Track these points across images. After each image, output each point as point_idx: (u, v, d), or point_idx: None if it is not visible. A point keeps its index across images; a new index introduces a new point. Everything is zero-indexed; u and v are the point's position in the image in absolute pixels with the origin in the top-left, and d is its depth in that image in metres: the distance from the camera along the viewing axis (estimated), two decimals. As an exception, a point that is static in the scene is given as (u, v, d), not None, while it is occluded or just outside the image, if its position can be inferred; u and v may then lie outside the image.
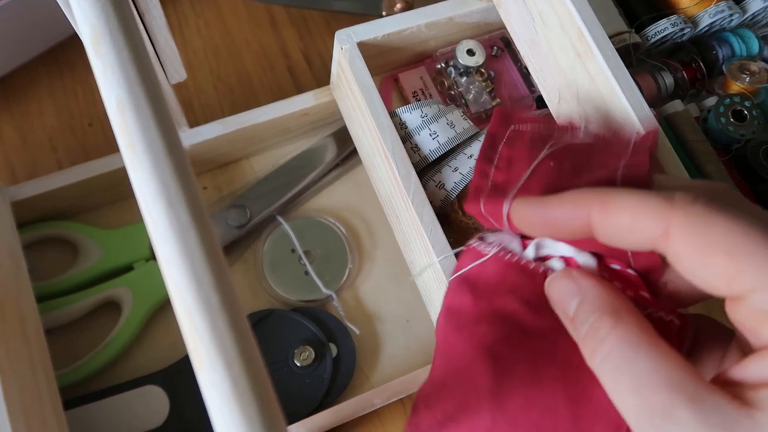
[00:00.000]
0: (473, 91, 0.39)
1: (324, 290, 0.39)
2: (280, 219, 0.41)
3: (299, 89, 0.47)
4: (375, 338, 0.40)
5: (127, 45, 0.19)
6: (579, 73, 0.31)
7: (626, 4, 0.35)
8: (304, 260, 0.40)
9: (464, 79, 0.39)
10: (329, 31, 0.49)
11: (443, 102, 0.39)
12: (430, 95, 0.39)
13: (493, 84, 0.39)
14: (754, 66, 0.33)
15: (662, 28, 0.33)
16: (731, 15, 0.34)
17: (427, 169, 0.36)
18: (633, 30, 0.33)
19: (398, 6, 0.48)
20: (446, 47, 0.40)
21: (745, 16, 0.35)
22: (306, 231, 0.41)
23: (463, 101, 0.39)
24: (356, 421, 0.37)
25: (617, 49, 0.30)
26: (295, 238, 0.40)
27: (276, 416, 0.17)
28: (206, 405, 0.17)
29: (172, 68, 0.33)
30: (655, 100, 0.33)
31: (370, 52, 0.36)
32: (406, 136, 0.35)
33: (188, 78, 0.46)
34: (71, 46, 0.47)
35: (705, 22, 0.34)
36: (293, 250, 0.40)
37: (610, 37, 0.31)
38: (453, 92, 0.39)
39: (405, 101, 0.39)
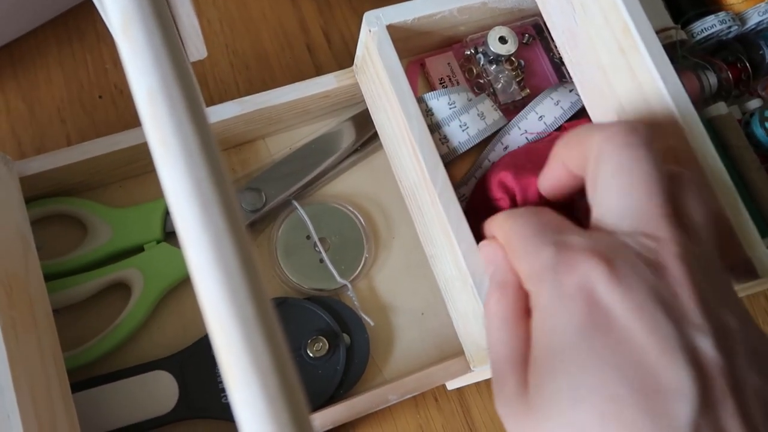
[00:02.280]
0: (502, 80, 0.37)
1: (339, 279, 0.38)
2: (296, 204, 0.39)
3: (318, 68, 0.45)
4: (389, 330, 0.39)
5: (159, 29, 0.18)
6: (621, 69, 0.30)
7: (671, -2, 0.33)
8: (320, 247, 0.39)
9: (493, 67, 0.37)
10: (350, 7, 0.47)
11: (471, 90, 0.38)
12: (457, 82, 0.38)
13: (523, 74, 0.38)
14: (802, 69, 0.31)
15: (709, 24, 0.31)
16: (780, 13, 0.32)
17: (462, 160, 0.35)
18: (680, 26, 0.31)
19: (424, -15, 0.46)
20: (477, 33, 0.38)
21: (794, 15, 0.33)
22: (322, 217, 0.40)
23: (492, 90, 0.37)
24: (368, 416, 0.37)
25: (662, 46, 0.29)
26: (311, 224, 0.39)
27: (302, 401, 0.16)
28: (237, 422, 0.16)
29: (193, 46, 0.31)
30: (698, 101, 0.32)
31: (398, 35, 0.34)
32: (433, 125, 0.34)
33: (204, 52, 0.44)
34: (81, 12, 0.45)
35: (754, 20, 0.32)
36: (308, 237, 0.39)
37: (656, 33, 0.30)
38: (481, 80, 0.38)
39: (431, 88, 0.38)
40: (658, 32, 0.30)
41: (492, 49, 0.36)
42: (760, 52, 0.32)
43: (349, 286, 0.38)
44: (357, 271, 0.39)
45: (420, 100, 0.34)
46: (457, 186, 0.34)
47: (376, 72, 0.34)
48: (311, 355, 0.36)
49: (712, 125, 0.30)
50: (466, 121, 0.33)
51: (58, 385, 0.31)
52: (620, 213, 0.22)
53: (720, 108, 0.30)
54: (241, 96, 0.39)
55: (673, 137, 0.27)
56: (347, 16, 0.47)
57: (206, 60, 0.45)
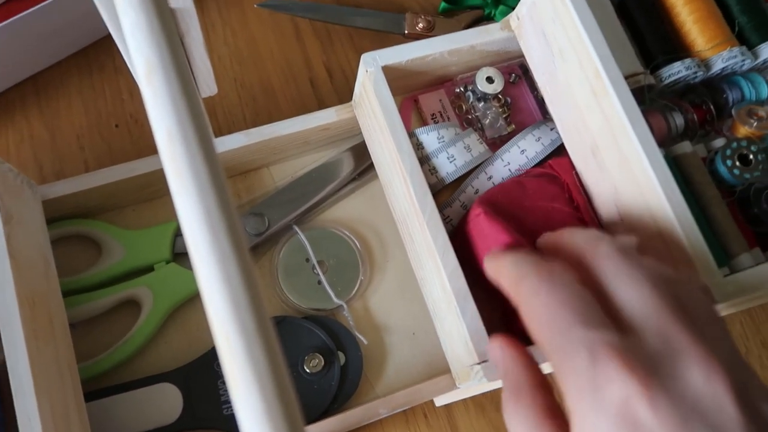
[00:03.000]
0: (490, 117, 0.40)
1: (335, 300, 0.41)
2: (297, 229, 0.42)
3: (320, 101, 0.49)
4: (382, 349, 0.41)
5: (178, 78, 0.21)
6: (594, 110, 0.32)
7: (643, 44, 0.36)
8: (318, 270, 0.42)
9: (482, 104, 0.40)
10: (352, 46, 0.51)
11: (460, 125, 0.40)
12: (448, 118, 0.41)
13: (509, 110, 0.41)
14: (762, 111, 0.34)
15: (676, 70, 0.34)
16: (743, 60, 0.35)
17: (448, 188, 0.38)
18: (648, 72, 0.34)
19: (420, 25, 0.49)
20: (466, 72, 0.41)
21: (757, 62, 0.36)
22: (321, 241, 0.42)
23: (480, 125, 0.40)
24: (360, 429, 0.39)
25: (632, 89, 0.32)
26: (310, 248, 0.42)
27: (294, 407, 0.18)
28: (239, 423, 0.18)
29: (205, 83, 0.34)
30: (665, 140, 0.34)
31: (392, 75, 0.38)
32: (423, 158, 0.36)
33: (214, 86, 0.47)
34: (102, 46, 0.48)
35: (718, 66, 0.35)
36: (308, 260, 0.42)
37: (626, 78, 0.33)
38: (470, 116, 0.40)
39: (423, 122, 0.41)
40: (628, 77, 0.33)
41: (480, 88, 0.39)
42: (724, 95, 0.35)
43: (345, 306, 0.41)
44: (353, 293, 0.42)
45: (411, 135, 0.37)
46: (441, 208, 0.36)
47: (372, 108, 0.37)
48: (308, 371, 0.38)
49: (677, 162, 0.33)
50: (453, 153, 0.36)
51: (73, 394, 0.33)
52: (637, 314, 0.23)
53: (685, 147, 0.33)
54: (247, 126, 0.42)
55: (659, 239, 0.29)
56: (348, 52, 0.50)
57: (216, 96, 0.48)
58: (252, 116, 0.48)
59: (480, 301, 0.32)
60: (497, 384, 0.37)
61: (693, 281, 0.26)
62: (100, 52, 0.48)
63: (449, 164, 0.36)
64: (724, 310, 0.36)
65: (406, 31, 0.49)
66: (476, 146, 0.37)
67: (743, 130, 0.34)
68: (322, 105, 0.48)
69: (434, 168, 0.36)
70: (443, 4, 0.51)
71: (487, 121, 0.40)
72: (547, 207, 0.34)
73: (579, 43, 0.32)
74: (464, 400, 0.41)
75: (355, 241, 0.43)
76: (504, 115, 0.40)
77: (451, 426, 0.41)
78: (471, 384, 0.33)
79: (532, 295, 0.25)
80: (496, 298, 0.35)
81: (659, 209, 0.29)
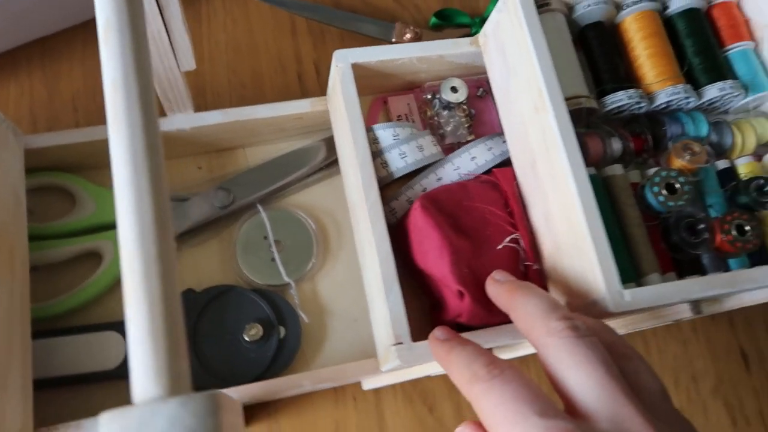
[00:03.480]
0: (452, 124, 0.43)
1: (285, 278, 0.43)
2: (260, 207, 0.45)
3: (304, 94, 0.51)
4: (323, 330, 0.43)
5: (131, 38, 0.24)
6: (535, 126, 0.35)
7: (596, 71, 0.38)
8: (273, 248, 0.44)
9: (446, 112, 0.43)
10: (342, 46, 0.53)
11: (424, 129, 0.43)
12: (413, 121, 0.43)
13: (472, 121, 0.43)
14: (697, 147, 0.36)
15: (618, 98, 0.36)
16: (687, 98, 0.37)
17: (399, 184, 0.40)
18: (592, 96, 0.36)
19: (407, 36, 0.52)
20: (435, 81, 0.43)
21: (702, 101, 0.38)
22: (281, 222, 0.45)
23: (441, 132, 0.43)
24: (290, 403, 0.41)
25: (573, 110, 0.34)
26: (270, 226, 0.44)
27: (181, 356, 0.20)
28: (128, 334, 0.21)
29: (184, 58, 0.37)
30: (600, 161, 0.36)
31: (363, 73, 0.40)
32: (378, 152, 0.39)
33: (206, 67, 0.51)
34: (109, 19, 0.51)
35: (661, 99, 0.37)
36: (266, 237, 0.44)
37: (569, 99, 0.35)
38: (434, 122, 0.43)
39: (388, 121, 0.43)
40: (570, 98, 0.36)
41: (444, 96, 0.42)
42: (663, 128, 0.37)
43: (293, 284, 0.43)
44: (303, 273, 0.44)
45: (369, 130, 0.39)
46: (387, 200, 0.39)
47: (338, 101, 0.40)
48: (247, 339, 0.41)
49: (607, 183, 0.35)
50: (405, 150, 0.38)
51: (20, 327, 0.36)
52: (589, 398, 0.24)
53: (616, 169, 0.35)
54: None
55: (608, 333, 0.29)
56: (339, 53, 0.53)
57: (208, 74, 0.51)
58: (237, 100, 0.50)
59: (413, 290, 0.34)
60: (419, 372, 0.39)
61: (638, 356, 0.27)
62: (107, 24, 0.51)
63: (400, 160, 0.38)
64: (623, 327, 0.37)
65: (393, 39, 0.52)
66: (429, 147, 0.39)
67: (677, 163, 0.36)
68: (305, 97, 0.51)
69: (386, 162, 0.38)
70: (433, 19, 0.54)
71: (449, 128, 0.43)
72: (483, 209, 0.36)
73: (529, 62, 0.34)
74: (394, 389, 0.43)
75: (313, 226, 0.45)
76: (466, 125, 0.43)
77: (378, 411, 0.43)
78: (390, 366, 0.35)
79: (485, 396, 0.25)
80: (427, 289, 0.37)
81: (577, 221, 0.31)
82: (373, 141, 0.39)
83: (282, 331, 0.42)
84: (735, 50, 0.40)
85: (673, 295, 0.31)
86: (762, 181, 0.36)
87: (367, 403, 0.43)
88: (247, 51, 0.52)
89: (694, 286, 0.31)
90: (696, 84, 0.39)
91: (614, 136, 0.36)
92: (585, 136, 0.36)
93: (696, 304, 0.38)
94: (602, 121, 0.38)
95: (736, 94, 0.38)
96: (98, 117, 0.48)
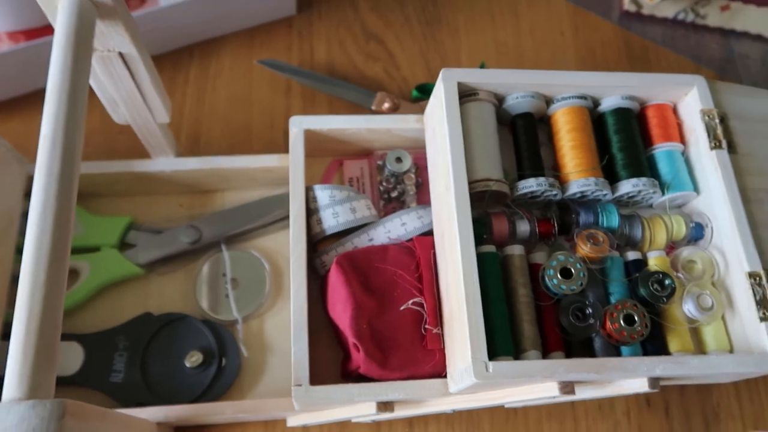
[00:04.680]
0: (398, 191, 0.47)
1: (234, 314, 0.48)
2: (223, 247, 0.50)
3: (286, 149, 0.57)
4: (261, 365, 0.47)
5: (67, 102, 0.29)
6: (444, 201, 0.38)
7: (519, 158, 0.42)
8: (228, 285, 0.49)
9: (394, 178, 0.47)
10: (329, 110, 0.59)
11: (372, 193, 0.47)
12: (363, 184, 0.47)
13: (418, 189, 0.47)
14: (600, 237, 0.38)
15: (529, 184, 0.39)
16: (599, 190, 0.40)
17: (333, 240, 0.44)
18: (503, 180, 0.39)
19: (386, 105, 0.57)
20: (388, 149, 0.48)
21: (617, 194, 0.41)
22: (240, 262, 0.50)
23: (387, 196, 0.47)
24: (222, 431, 0.45)
25: (478, 191, 0.38)
26: (229, 265, 0.49)
27: (46, 368, 0.25)
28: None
29: (157, 112, 0.43)
30: (505, 239, 0.39)
31: (316, 138, 0.45)
32: (314, 209, 0.43)
33: (204, 117, 0.57)
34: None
35: (573, 189, 0.40)
36: (224, 274, 0.49)
37: (479, 181, 0.38)
38: (382, 187, 0.47)
39: (341, 182, 0.48)
40: (479, 180, 0.39)
41: (388, 166, 0.46)
42: (573, 215, 0.39)
43: (240, 320, 0.48)
44: (252, 311, 0.48)
45: (309, 189, 0.44)
46: (319, 254, 0.43)
47: (291, 161, 0.45)
48: (188, 365, 0.45)
49: (505, 260, 0.38)
50: (338, 211, 0.42)
51: (-6, 327, 0.42)
52: None
53: (515, 249, 0.38)
54: (223, 154, 0.50)
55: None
56: (324, 114, 0.58)
57: (205, 123, 0.57)
58: (227, 149, 0.56)
59: (329, 340, 0.38)
60: (342, 414, 0.41)
61: None
62: (129, 73, 0.59)
63: (332, 219, 0.42)
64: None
65: (373, 107, 0.57)
66: (362, 210, 0.43)
67: (581, 250, 0.38)
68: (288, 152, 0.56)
69: (320, 220, 0.43)
70: (415, 93, 0.58)
71: (395, 194, 0.47)
72: (394, 272, 0.39)
73: (444, 145, 0.38)
74: (321, 429, 0.46)
75: (268, 269, 0.50)
76: (411, 192, 0.47)
77: (298, 448, 0.46)
78: (296, 405, 0.38)
79: None
80: (340, 341, 0.41)
81: (459, 294, 0.34)
82: (312, 199, 0.44)
83: (223, 361, 0.46)
84: (660, 150, 0.42)
85: (535, 373, 0.33)
86: (660, 276, 0.38)
87: (292, 439, 0.46)
88: (242, 106, 0.58)
89: (559, 367, 0.33)
90: (616, 177, 0.41)
91: (522, 218, 0.39)
92: (492, 216, 0.39)
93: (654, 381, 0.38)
94: (521, 204, 0.41)
95: (651, 191, 0.40)
96: (104, 152, 0.55)
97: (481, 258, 0.37)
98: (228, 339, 0.47)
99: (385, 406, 0.39)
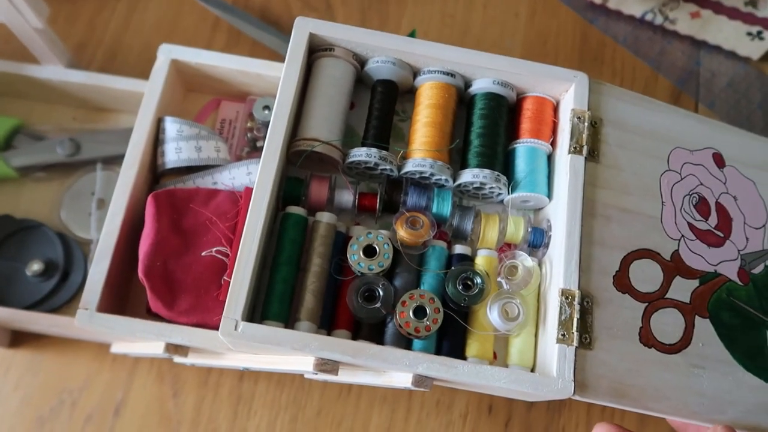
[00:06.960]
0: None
1: (93, 232, 0.48)
2: (99, 166, 0.50)
3: (196, 83, 0.55)
4: (106, 288, 0.47)
5: None
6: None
7: (367, 125, 0.39)
8: (94, 203, 0.49)
9: (265, 128, 0.45)
10: (251, 52, 0.57)
11: (242, 137, 0.46)
12: (235, 128, 0.46)
13: (288, 143, 0.45)
14: (421, 221, 0.36)
15: (358, 153, 0.37)
16: (435, 173, 0.37)
17: (178, 174, 0.43)
18: (334, 143, 0.37)
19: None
20: (265, 95, 0.46)
21: (458, 183, 0.38)
22: (112, 184, 0.49)
23: (253, 144, 0.45)
24: (57, 342, 0.46)
25: (299, 150, 0.36)
26: (99, 185, 0.49)
27: None
28: None
29: (27, 15, 0.42)
30: (323, 205, 0.37)
31: (185, 70, 0.44)
32: (161, 141, 0.42)
33: (127, 38, 0.56)
34: None
35: (408, 168, 0.37)
36: (93, 193, 0.49)
37: (306, 140, 0.37)
38: (250, 134, 0.46)
39: (216, 123, 0.46)
40: (307, 139, 0.37)
41: (255, 114, 0.44)
42: (403, 195, 0.37)
43: (96, 240, 0.48)
44: (109, 234, 0.48)
45: (161, 120, 0.43)
46: (159, 187, 0.42)
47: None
48: (27, 273, 0.45)
49: (312, 227, 0.36)
50: (182, 147, 0.41)
51: None
52: None
53: (323, 216, 0.36)
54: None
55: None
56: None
57: (126, 44, 0.56)
58: (139, 72, 0.55)
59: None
60: (155, 350, 0.41)
61: None
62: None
63: (174, 154, 0.41)
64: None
65: (289, 56, 0.55)
66: (208, 151, 0.42)
67: (400, 232, 0.36)
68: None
69: (163, 152, 0.42)
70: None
71: (260, 144, 0.45)
72: (208, 217, 0.38)
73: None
74: (151, 362, 0.46)
75: (135, 197, 0.49)
76: (280, 145, 0.45)
77: (128, 378, 0.46)
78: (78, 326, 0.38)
79: None
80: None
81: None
82: (162, 131, 0.43)
83: (66, 276, 0.46)
84: (522, 145, 0.39)
85: (285, 342, 0.32)
86: (469, 275, 0.35)
87: (123, 367, 0.46)
88: (166, 32, 0.57)
89: (312, 342, 0.32)
90: (465, 165, 0.39)
91: (345, 188, 0.37)
92: (313, 179, 0.37)
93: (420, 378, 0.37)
94: (359, 174, 0.39)
95: (495, 185, 0.37)
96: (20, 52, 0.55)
97: (285, 218, 0.36)
98: (77, 256, 0.47)
99: (175, 348, 0.38)
